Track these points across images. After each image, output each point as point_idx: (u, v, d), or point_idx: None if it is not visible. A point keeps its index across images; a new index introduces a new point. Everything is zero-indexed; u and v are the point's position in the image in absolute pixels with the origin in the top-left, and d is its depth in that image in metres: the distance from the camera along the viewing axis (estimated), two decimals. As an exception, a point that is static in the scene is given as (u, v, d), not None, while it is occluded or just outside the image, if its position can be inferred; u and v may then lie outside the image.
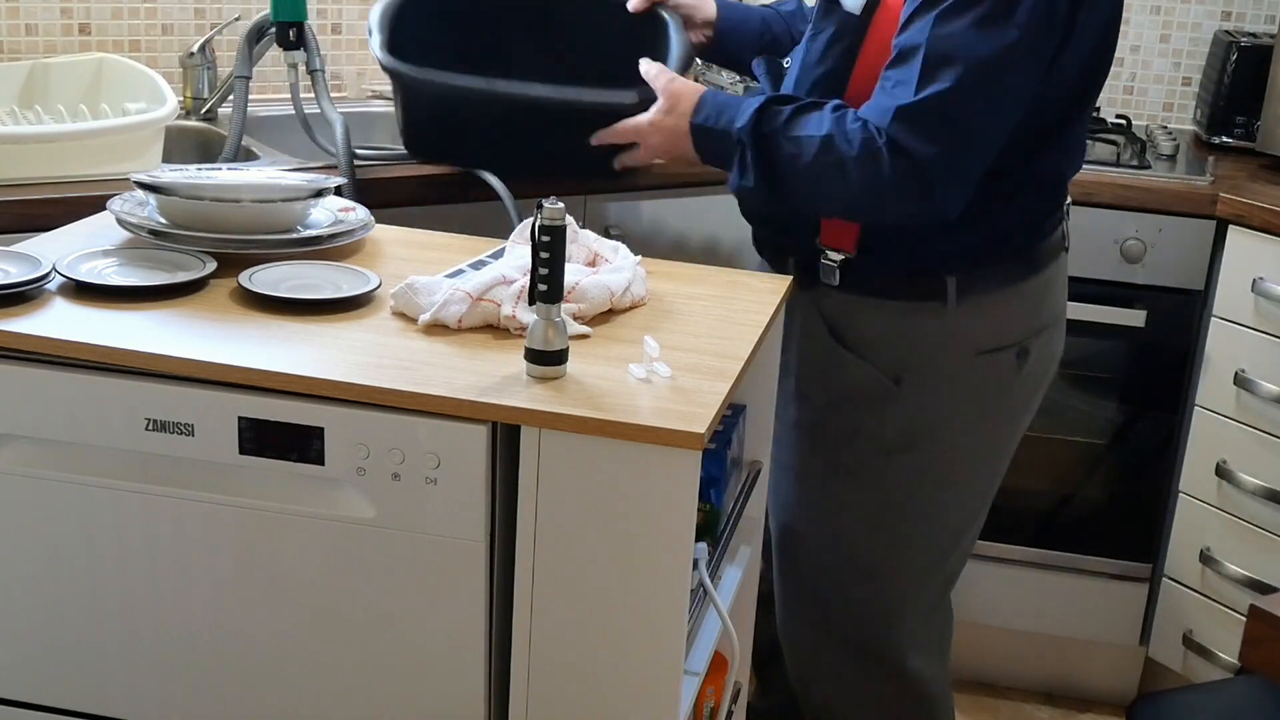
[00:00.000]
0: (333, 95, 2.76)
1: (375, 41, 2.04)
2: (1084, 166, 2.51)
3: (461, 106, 2.01)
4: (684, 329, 1.51)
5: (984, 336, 1.85)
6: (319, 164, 2.23)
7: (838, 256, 1.82)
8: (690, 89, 1.85)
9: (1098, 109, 3.03)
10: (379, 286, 1.53)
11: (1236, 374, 2.47)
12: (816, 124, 1.70)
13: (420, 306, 1.46)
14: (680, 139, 1.84)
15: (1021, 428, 1.97)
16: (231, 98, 2.25)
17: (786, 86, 1.89)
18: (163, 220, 1.63)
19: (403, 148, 2.15)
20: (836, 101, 1.73)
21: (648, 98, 1.88)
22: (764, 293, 1.64)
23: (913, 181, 1.65)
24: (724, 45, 2.16)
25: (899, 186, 1.66)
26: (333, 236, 1.65)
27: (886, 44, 1.71)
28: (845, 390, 1.87)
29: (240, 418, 1.35)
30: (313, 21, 2.67)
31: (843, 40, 1.79)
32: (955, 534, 1.97)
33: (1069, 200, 1.96)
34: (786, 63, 1.95)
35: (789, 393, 1.90)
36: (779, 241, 1.95)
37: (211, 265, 1.55)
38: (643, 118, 1.88)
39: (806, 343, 1.89)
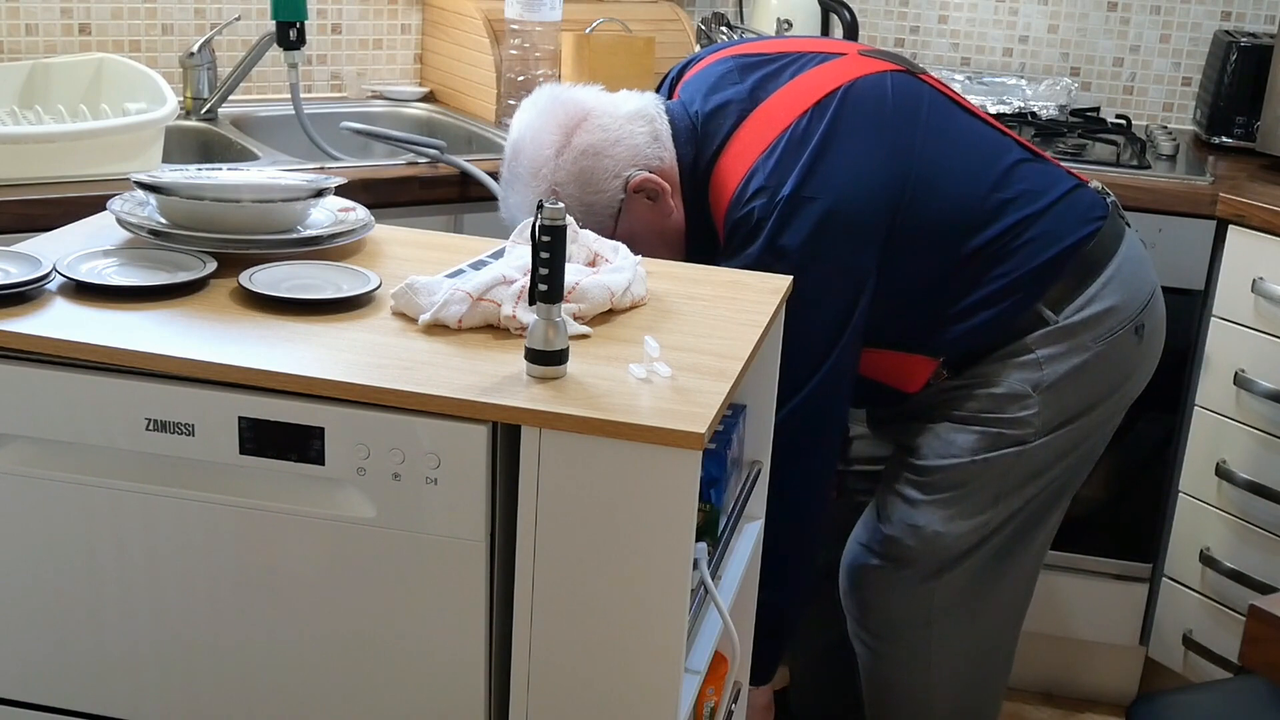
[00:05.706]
0: (332, 95, 2.78)
1: None
2: (1084, 166, 2.53)
3: None
4: (684, 329, 1.51)
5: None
6: (316, 164, 2.23)
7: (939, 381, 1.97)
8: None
9: (1096, 109, 3.04)
10: (379, 286, 1.53)
11: (1236, 374, 2.47)
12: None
13: (420, 306, 1.46)
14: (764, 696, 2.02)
15: None
16: None
17: None
18: (163, 220, 1.63)
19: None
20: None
21: None
22: (764, 292, 1.64)
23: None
24: None
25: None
26: (333, 236, 1.65)
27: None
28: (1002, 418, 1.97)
29: (240, 418, 1.35)
30: (312, 21, 2.68)
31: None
32: None
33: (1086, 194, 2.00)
34: None
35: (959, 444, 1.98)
36: (887, 415, 2.09)
37: (211, 265, 1.55)
38: None
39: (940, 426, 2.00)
